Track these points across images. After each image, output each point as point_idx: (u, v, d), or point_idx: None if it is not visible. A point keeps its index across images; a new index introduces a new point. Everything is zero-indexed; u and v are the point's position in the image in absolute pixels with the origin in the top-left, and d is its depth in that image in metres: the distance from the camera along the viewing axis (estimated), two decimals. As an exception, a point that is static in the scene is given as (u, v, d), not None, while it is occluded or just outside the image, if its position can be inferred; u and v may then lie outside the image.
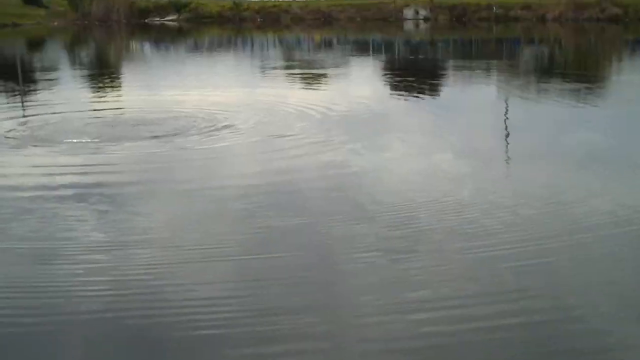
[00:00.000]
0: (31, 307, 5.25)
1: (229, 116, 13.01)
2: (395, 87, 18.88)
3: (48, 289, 5.54)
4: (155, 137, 11.22)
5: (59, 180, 8.77)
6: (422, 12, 52.91)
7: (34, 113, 14.08)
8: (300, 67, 24.19)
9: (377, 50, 33.61)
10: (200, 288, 5.49)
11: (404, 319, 4.89)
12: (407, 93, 16.83)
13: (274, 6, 54.65)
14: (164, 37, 43.28)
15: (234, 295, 5.39)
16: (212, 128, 11.87)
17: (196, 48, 36.23)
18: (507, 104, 14.91)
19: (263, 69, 24.67)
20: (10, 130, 11.99)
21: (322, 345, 4.58)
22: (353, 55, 30.56)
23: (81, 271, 5.82)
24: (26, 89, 19.56)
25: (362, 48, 34.82)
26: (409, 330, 4.74)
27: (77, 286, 5.55)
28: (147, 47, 37.98)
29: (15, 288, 5.59)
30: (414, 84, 18.60)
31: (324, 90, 18.02)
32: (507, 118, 13.00)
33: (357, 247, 6.20)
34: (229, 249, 6.30)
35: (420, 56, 29.82)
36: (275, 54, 31.82)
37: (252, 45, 38.21)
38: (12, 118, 13.53)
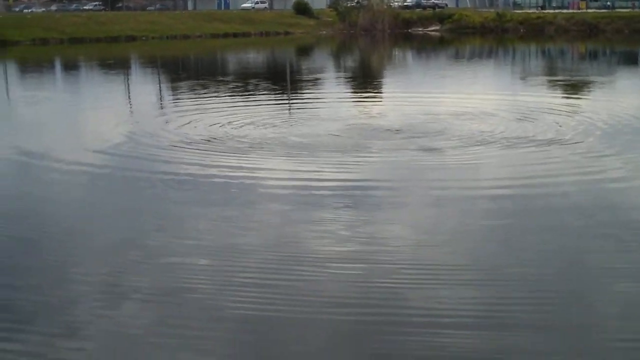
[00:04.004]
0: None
1: (488, 122, 13.00)
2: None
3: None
4: (413, 144, 11.13)
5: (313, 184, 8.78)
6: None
7: (296, 115, 14.60)
8: (563, 76, 23.48)
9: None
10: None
11: None
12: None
13: (538, 17, 53.44)
14: (425, 46, 43.78)
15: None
16: (468, 134, 11.79)
17: (457, 57, 36.28)
18: None
19: (524, 76, 24.22)
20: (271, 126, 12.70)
21: None
22: (619, 66, 29.19)
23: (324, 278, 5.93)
24: (292, 89, 20.67)
25: (629, 59, 33.09)
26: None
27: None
28: (409, 55, 38.63)
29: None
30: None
31: (587, 98, 17.38)
32: None
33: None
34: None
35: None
36: (537, 64, 31.12)
37: (514, 55, 37.61)
38: (278, 115, 14.31)
